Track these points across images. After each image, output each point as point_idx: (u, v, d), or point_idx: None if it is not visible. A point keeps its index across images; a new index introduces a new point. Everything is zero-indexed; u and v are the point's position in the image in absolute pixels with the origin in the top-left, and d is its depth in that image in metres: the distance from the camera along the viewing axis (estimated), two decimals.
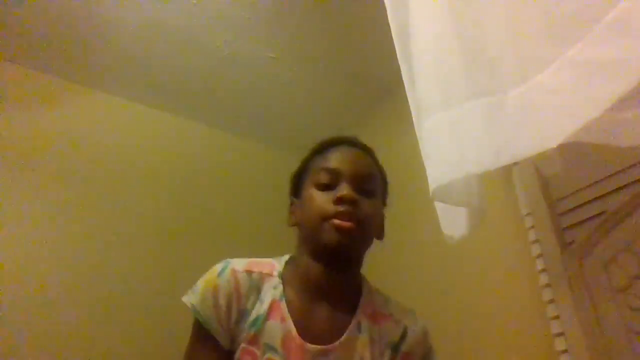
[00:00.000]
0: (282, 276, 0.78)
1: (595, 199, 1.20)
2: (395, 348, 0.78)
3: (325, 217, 0.74)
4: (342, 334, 0.74)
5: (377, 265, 1.83)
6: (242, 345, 0.72)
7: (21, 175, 1.65)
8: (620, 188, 1.14)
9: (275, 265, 0.80)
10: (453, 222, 0.92)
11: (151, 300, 1.66)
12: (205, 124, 2.19)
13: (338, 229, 0.73)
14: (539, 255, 1.29)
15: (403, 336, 0.80)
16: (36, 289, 1.52)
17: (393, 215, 1.96)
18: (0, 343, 1.40)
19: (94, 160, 1.82)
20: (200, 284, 0.76)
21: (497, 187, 1.44)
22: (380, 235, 0.83)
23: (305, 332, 0.73)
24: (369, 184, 0.81)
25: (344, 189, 0.76)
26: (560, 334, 1.19)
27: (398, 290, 1.77)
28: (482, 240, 1.36)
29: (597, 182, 1.19)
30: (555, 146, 0.57)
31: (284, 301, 0.75)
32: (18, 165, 1.66)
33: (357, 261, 0.82)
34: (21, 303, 1.49)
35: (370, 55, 1.87)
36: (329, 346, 0.73)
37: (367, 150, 0.87)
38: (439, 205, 0.93)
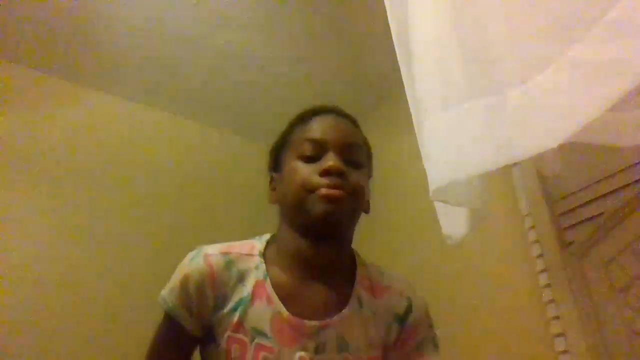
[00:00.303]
0: (264, 255, 0.73)
1: (595, 199, 1.20)
2: (401, 321, 0.75)
3: (311, 190, 0.69)
4: (341, 309, 0.70)
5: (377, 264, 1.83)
6: (228, 333, 0.67)
7: (21, 175, 1.65)
8: (620, 188, 1.14)
9: (256, 244, 0.75)
10: (453, 222, 0.92)
11: (150, 300, 1.65)
12: (205, 123, 2.19)
13: (325, 198, 0.68)
14: (539, 256, 1.29)
15: (408, 309, 0.76)
16: (35, 288, 1.52)
17: (393, 215, 1.97)
18: None
19: (93, 160, 1.82)
20: (173, 274, 0.72)
21: (497, 187, 1.44)
22: (367, 208, 0.78)
23: (298, 310, 0.68)
24: (355, 154, 0.75)
25: (330, 160, 0.70)
26: (561, 334, 1.19)
27: None
28: (482, 240, 1.36)
29: (597, 182, 1.19)
30: (555, 146, 0.57)
31: (268, 280, 0.70)
32: (18, 164, 1.66)
33: (347, 234, 0.77)
34: (19, 303, 1.49)
35: (370, 56, 1.87)
36: (328, 321, 0.68)
37: (351, 120, 0.81)
38: (438, 206, 0.93)
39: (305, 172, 0.71)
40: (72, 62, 1.81)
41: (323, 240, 0.73)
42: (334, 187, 0.68)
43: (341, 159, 0.71)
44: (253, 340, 0.66)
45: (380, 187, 2.05)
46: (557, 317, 1.21)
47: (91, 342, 1.54)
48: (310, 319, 0.68)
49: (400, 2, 0.85)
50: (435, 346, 0.77)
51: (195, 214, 1.97)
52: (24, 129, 1.72)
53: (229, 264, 0.71)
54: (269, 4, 1.65)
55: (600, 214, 1.18)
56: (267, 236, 0.78)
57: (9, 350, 1.41)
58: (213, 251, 0.72)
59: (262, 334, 0.67)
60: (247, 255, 0.72)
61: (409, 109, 0.85)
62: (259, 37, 1.78)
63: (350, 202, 0.70)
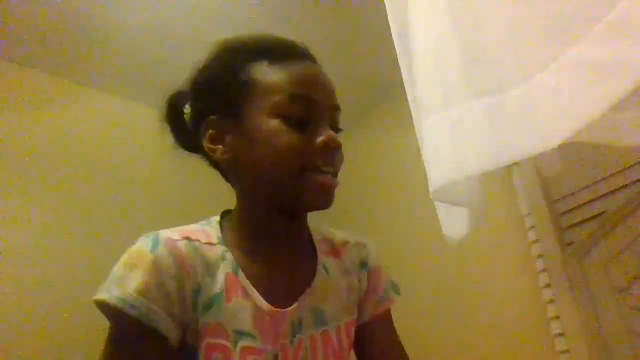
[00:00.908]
0: (224, 242, 0.61)
1: (596, 199, 1.20)
2: (365, 265, 0.73)
3: (303, 168, 0.57)
4: (310, 282, 0.64)
5: None
6: (207, 340, 0.55)
7: (20, 175, 1.65)
8: (620, 188, 1.14)
9: (209, 230, 0.63)
10: (453, 222, 0.92)
11: None
12: None
13: (322, 188, 0.58)
14: (539, 255, 1.29)
15: (367, 253, 0.74)
16: (33, 287, 1.52)
17: (393, 215, 1.97)
18: None
19: (93, 160, 1.82)
20: (126, 270, 0.54)
21: (498, 187, 1.44)
22: None
23: (275, 298, 0.60)
24: (338, 117, 0.65)
25: (327, 130, 0.59)
26: (561, 334, 1.19)
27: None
28: (482, 240, 1.36)
29: (597, 182, 1.20)
30: (555, 146, 0.57)
31: (241, 272, 0.59)
32: (17, 165, 1.66)
33: None
34: (17, 302, 1.49)
35: (369, 56, 1.87)
36: (303, 297, 0.62)
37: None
38: (438, 206, 0.93)
39: (295, 141, 0.57)
40: (72, 62, 1.81)
41: (295, 218, 0.65)
42: (330, 168, 0.60)
43: (331, 127, 0.61)
44: (237, 344, 0.56)
45: (381, 186, 2.05)
46: (557, 317, 1.21)
47: (91, 340, 1.53)
48: (285, 303, 0.61)
49: (400, 2, 0.85)
50: (398, 291, 0.78)
51: (197, 214, 1.96)
52: (24, 129, 1.71)
53: (196, 251, 0.58)
54: (269, 4, 1.65)
55: (601, 214, 1.18)
56: (216, 217, 0.66)
57: (8, 348, 1.41)
58: (175, 236, 0.58)
59: (245, 334, 0.57)
60: (208, 244, 0.60)
61: (409, 108, 0.85)
62: None
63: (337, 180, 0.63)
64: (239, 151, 0.61)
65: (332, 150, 0.59)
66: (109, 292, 0.52)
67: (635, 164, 1.12)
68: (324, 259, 0.69)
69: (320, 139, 0.58)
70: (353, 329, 0.69)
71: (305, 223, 0.70)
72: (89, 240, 1.69)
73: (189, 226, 0.63)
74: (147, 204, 1.87)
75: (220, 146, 0.62)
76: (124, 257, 0.56)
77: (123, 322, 0.52)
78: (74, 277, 1.61)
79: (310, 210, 0.63)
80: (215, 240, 0.61)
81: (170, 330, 0.53)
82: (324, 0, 1.65)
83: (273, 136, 0.57)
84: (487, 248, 1.43)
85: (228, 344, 0.56)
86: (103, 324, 0.54)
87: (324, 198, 0.60)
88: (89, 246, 1.68)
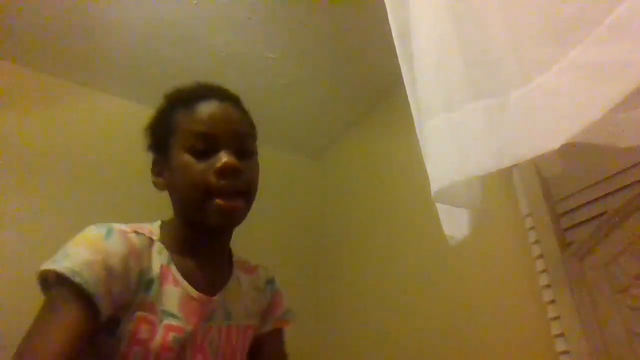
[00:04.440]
0: (162, 241, 0.75)
1: (596, 199, 1.20)
2: (271, 285, 0.94)
3: (207, 193, 0.70)
4: (223, 286, 0.80)
5: (377, 264, 1.83)
6: (138, 313, 0.66)
7: (21, 175, 1.65)
8: (621, 189, 1.14)
9: (152, 229, 0.76)
10: (455, 223, 0.92)
11: None
12: None
13: (223, 211, 0.70)
14: (540, 256, 1.29)
15: (272, 277, 0.95)
16: (34, 288, 1.52)
17: (393, 215, 1.97)
18: None
19: (93, 160, 1.82)
20: (80, 249, 0.64)
21: (498, 188, 1.45)
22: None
23: (200, 289, 0.75)
24: (247, 143, 0.77)
25: (224, 157, 0.70)
26: (561, 335, 1.19)
27: (398, 290, 1.77)
28: (482, 240, 1.36)
29: (597, 182, 1.20)
30: (557, 148, 0.57)
31: (172, 265, 0.73)
32: (18, 165, 1.66)
33: None
34: (16, 303, 1.49)
35: (370, 56, 1.87)
36: (219, 293, 0.78)
37: (234, 100, 0.80)
38: (440, 206, 0.93)
39: (198, 170, 0.71)
40: (72, 62, 1.81)
41: (215, 236, 0.80)
42: (230, 191, 0.71)
43: (234, 152, 0.73)
44: (162, 321, 0.68)
45: (381, 187, 2.06)
46: (557, 318, 1.21)
47: None
48: (210, 295, 0.76)
49: (400, 2, 0.85)
50: (294, 317, 0.96)
51: None
52: (24, 129, 1.71)
53: (142, 243, 0.72)
54: (269, 4, 1.65)
55: (601, 215, 1.18)
56: (157, 222, 0.80)
57: (7, 349, 1.41)
58: (126, 229, 0.71)
59: (171, 315, 0.69)
60: (149, 239, 0.74)
61: (409, 109, 0.85)
62: (259, 38, 1.78)
63: (245, 203, 0.75)
64: (167, 179, 0.77)
65: (229, 174, 0.70)
66: (58, 264, 0.63)
67: (635, 165, 1.12)
68: (239, 273, 0.86)
69: (216, 165, 0.70)
70: (251, 332, 0.84)
71: (226, 241, 0.84)
72: None
73: (137, 223, 0.76)
74: (147, 204, 1.87)
75: (160, 179, 0.80)
76: (76, 239, 0.67)
77: (66, 290, 0.61)
78: None
79: (217, 231, 0.77)
80: (155, 238, 0.75)
81: (103, 304, 0.62)
82: (324, 1, 1.65)
83: (184, 168, 0.72)
84: (487, 249, 1.43)
85: (155, 319, 0.68)
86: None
87: (223, 220, 0.72)
88: None
